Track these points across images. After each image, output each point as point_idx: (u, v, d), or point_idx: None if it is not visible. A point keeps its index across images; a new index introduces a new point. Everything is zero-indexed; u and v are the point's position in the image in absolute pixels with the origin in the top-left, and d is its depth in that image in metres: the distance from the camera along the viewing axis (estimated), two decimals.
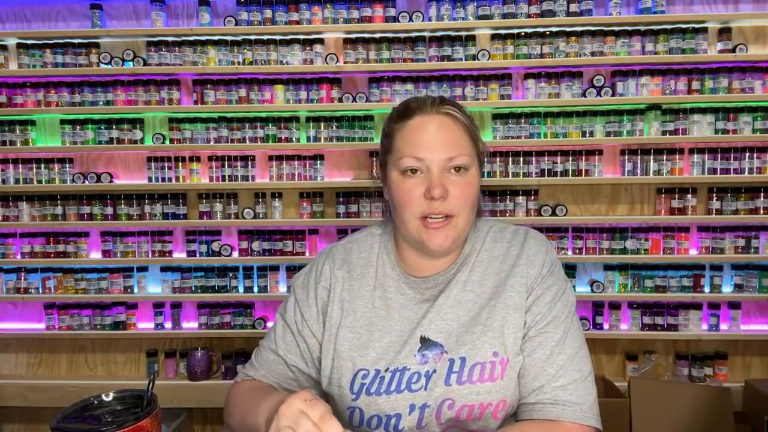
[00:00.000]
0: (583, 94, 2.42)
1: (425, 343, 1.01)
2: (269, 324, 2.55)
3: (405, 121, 1.02)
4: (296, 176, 2.51)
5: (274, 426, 0.77)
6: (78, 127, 2.51)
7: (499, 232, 1.10)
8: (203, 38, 2.46)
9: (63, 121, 2.52)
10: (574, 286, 2.50)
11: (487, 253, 1.07)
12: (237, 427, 1.01)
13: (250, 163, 2.51)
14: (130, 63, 2.49)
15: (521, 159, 2.46)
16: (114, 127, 2.51)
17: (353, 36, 2.45)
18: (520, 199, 2.47)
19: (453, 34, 2.43)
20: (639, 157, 2.44)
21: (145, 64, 2.47)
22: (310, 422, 0.76)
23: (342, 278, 1.08)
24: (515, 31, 2.42)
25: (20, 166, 2.55)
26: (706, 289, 2.47)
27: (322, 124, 2.48)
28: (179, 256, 2.58)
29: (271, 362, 1.09)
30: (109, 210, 2.53)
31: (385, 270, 1.08)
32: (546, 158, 2.46)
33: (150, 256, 2.56)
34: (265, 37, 2.46)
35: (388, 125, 1.06)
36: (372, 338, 1.03)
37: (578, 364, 0.98)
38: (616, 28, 2.40)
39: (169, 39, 2.48)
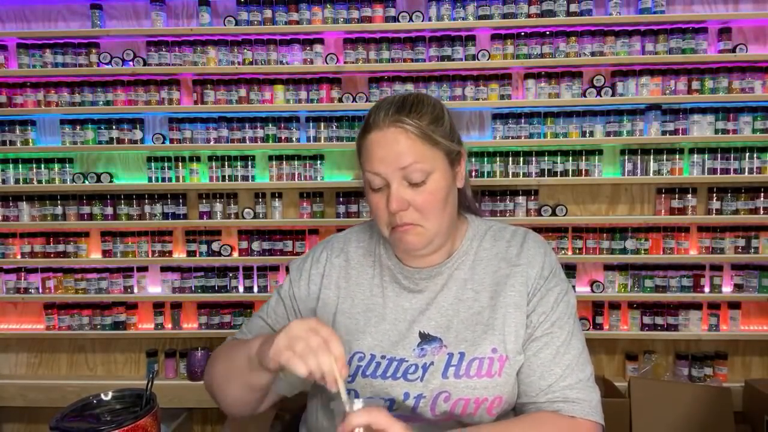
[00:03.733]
0: (583, 94, 2.42)
1: (424, 338, 1.03)
2: None
3: (366, 136, 1.03)
4: (296, 176, 2.51)
5: (283, 337, 0.83)
6: (78, 127, 2.51)
7: (499, 231, 1.12)
8: (203, 38, 2.46)
9: (63, 121, 2.52)
10: (573, 287, 2.50)
11: (486, 252, 1.09)
12: (219, 375, 1.04)
13: (250, 163, 2.51)
14: (130, 63, 2.49)
15: (521, 159, 2.46)
16: (114, 127, 2.51)
17: (353, 36, 2.45)
18: (520, 199, 2.47)
19: (453, 34, 2.43)
20: (639, 157, 2.44)
21: (145, 64, 2.47)
22: (320, 338, 0.82)
23: (339, 266, 1.12)
24: (515, 31, 2.42)
25: (20, 166, 2.55)
26: (706, 289, 2.46)
27: (322, 124, 2.48)
28: (179, 256, 2.58)
29: (260, 328, 1.14)
30: (109, 210, 2.53)
31: (381, 260, 1.12)
32: (546, 158, 2.46)
33: (150, 256, 2.56)
34: (265, 37, 2.46)
35: (357, 140, 1.07)
36: (368, 323, 1.06)
37: (583, 365, 1.02)
38: (616, 28, 2.40)
39: (169, 39, 2.48)
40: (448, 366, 1.00)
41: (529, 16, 2.38)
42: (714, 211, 2.43)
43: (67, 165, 2.55)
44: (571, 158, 2.45)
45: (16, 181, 2.55)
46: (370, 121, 1.03)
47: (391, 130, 0.99)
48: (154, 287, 2.63)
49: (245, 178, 2.51)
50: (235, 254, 2.55)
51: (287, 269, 2.54)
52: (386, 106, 1.02)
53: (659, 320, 2.47)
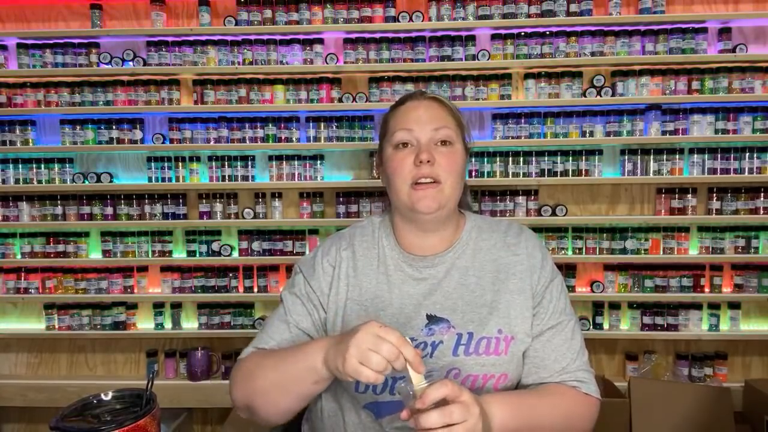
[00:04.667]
0: (583, 94, 2.42)
1: (431, 319, 1.09)
2: None
3: (398, 107, 1.17)
4: (296, 176, 2.51)
5: (354, 352, 0.84)
6: (78, 127, 2.51)
7: (494, 224, 1.21)
8: (203, 38, 2.46)
9: (63, 121, 2.52)
10: (574, 287, 2.51)
11: (485, 242, 1.16)
12: (269, 388, 1.00)
13: (250, 163, 2.51)
14: (130, 63, 2.49)
15: (521, 159, 2.46)
16: (114, 127, 2.51)
17: (353, 36, 2.45)
18: (520, 199, 2.47)
19: (453, 34, 2.43)
20: (639, 157, 2.44)
21: (145, 64, 2.47)
22: (390, 344, 0.83)
23: (347, 258, 1.17)
24: (515, 31, 2.42)
25: (20, 166, 2.55)
26: (706, 289, 2.47)
27: (322, 124, 2.48)
28: (179, 256, 2.58)
29: (282, 332, 1.13)
30: (109, 210, 2.53)
31: (385, 251, 1.17)
32: (546, 158, 2.46)
33: (150, 256, 2.56)
34: (265, 37, 2.46)
35: (385, 115, 1.20)
36: (376, 309, 1.12)
37: (585, 348, 1.13)
38: (616, 28, 2.40)
39: (169, 39, 2.48)
40: (458, 345, 1.06)
41: (529, 16, 2.38)
42: (714, 211, 2.43)
43: (67, 165, 2.55)
44: (571, 158, 2.45)
45: (16, 181, 2.55)
46: (405, 97, 1.17)
47: (428, 101, 1.15)
48: (154, 287, 2.63)
49: (245, 178, 2.51)
50: (235, 254, 2.55)
51: (287, 269, 2.55)
52: (419, 90, 1.20)
53: (659, 320, 2.47)
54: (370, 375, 0.83)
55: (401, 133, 1.10)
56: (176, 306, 2.59)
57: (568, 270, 2.49)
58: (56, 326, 2.57)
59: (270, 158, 2.52)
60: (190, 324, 2.64)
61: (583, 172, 2.44)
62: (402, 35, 2.45)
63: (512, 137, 2.44)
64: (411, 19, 2.39)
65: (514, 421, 0.97)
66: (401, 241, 1.17)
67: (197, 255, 2.54)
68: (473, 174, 2.48)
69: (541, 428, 1.01)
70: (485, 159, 2.47)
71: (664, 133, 2.42)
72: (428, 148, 1.08)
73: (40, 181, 2.55)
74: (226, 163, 2.51)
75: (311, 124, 2.48)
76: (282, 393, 0.99)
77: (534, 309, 1.11)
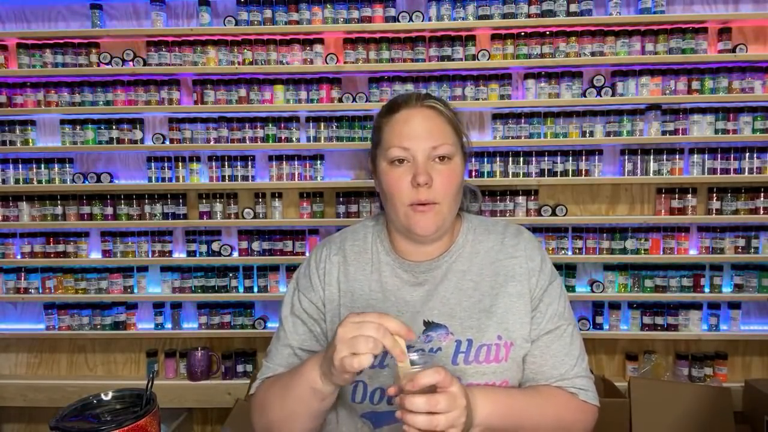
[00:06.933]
0: (583, 94, 2.42)
1: (429, 326, 1.06)
2: (269, 324, 2.55)
3: (392, 115, 1.08)
4: (296, 176, 2.51)
5: (341, 348, 0.82)
6: (78, 127, 2.51)
7: (491, 225, 1.17)
8: (203, 38, 2.46)
9: (63, 121, 2.52)
10: (574, 287, 2.51)
11: (482, 245, 1.13)
12: (282, 417, 1.01)
13: (250, 163, 2.52)
14: (130, 63, 2.49)
15: (521, 159, 2.46)
16: (114, 127, 2.51)
17: (353, 36, 2.45)
18: (520, 199, 2.47)
19: (453, 34, 2.43)
20: (639, 157, 2.44)
21: (145, 64, 2.47)
22: (371, 323, 0.82)
23: (338, 263, 1.13)
24: (515, 31, 2.42)
25: (20, 166, 2.55)
26: (706, 289, 2.46)
27: (322, 124, 2.48)
28: (179, 256, 2.58)
29: (287, 356, 1.11)
30: (109, 210, 2.53)
31: (379, 256, 1.13)
32: (546, 158, 2.46)
33: (150, 256, 2.56)
34: (265, 37, 2.46)
35: (377, 120, 1.12)
36: None
37: (584, 353, 1.11)
38: (616, 28, 2.40)
39: (169, 39, 2.48)
40: (457, 353, 1.04)
41: (529, 16, 2.38)
42: (714, 211, 2.43)
43: (67, 165, 2.55)
44: (571, 158, 2.45)
45: (16, 181, 2.55)
46: (399, 101, 1.09)
47: (423, 110, 1.07)
48: (154, 287, 2.63)
49: (245, 178, 2.51)
50: (235, 254, 2.55)
51: (287, 269, 2.55)
52: (415, 93, 1.10)
53: (659, 320, 2.47)
54: (361, 360, 0.81)
55: (396, 150, 1.04)
56: (176, 306, 2.59)
57: (568, 270, 2.49)
58: (56, 326, 2.57)
59: (270, 158, 2.52)
60: (190, 324, 2.64)
61: (583, 172, 2.44)
62: (402, 35, 2.45)
63: (512, 137, 2.44)
64: (411, 19, 2.39)
65: (499, 416, 0.96)
66: (396, 246, 1.13)
67: (197, 255, 2.54)
68: (473, 174, 2.48)
69: (530, 428, 1.01)
70: (485, 159, 2.47)
71: (664, 133, 2.42)
72: (425, 168, 1.02)
73: (40, 181, 2.55)
74: (226, 163, 2.51)
75: (311, 124, 2.49)
76: (295, 419, 0.99)
77: (532, 312, 1.08)
